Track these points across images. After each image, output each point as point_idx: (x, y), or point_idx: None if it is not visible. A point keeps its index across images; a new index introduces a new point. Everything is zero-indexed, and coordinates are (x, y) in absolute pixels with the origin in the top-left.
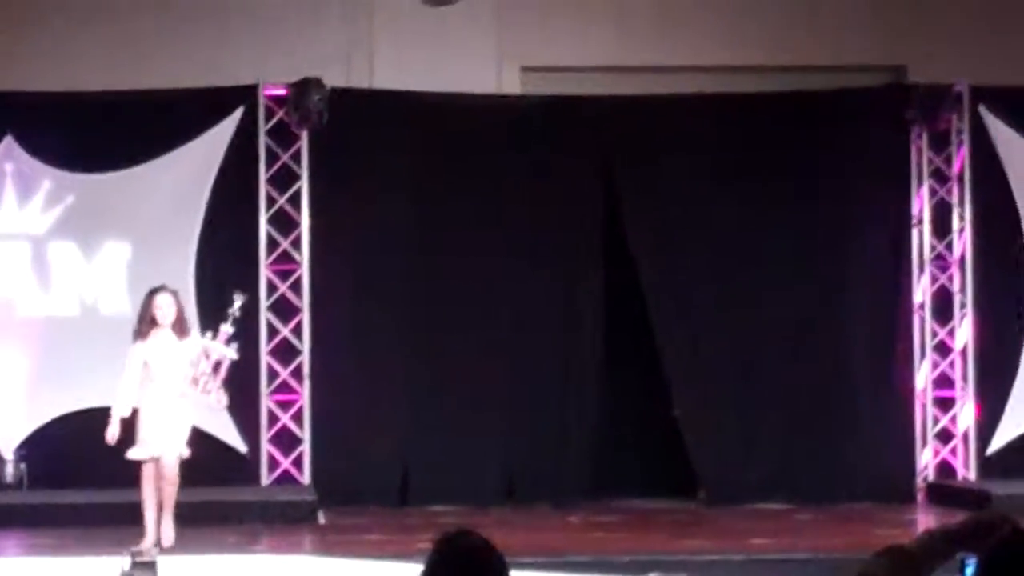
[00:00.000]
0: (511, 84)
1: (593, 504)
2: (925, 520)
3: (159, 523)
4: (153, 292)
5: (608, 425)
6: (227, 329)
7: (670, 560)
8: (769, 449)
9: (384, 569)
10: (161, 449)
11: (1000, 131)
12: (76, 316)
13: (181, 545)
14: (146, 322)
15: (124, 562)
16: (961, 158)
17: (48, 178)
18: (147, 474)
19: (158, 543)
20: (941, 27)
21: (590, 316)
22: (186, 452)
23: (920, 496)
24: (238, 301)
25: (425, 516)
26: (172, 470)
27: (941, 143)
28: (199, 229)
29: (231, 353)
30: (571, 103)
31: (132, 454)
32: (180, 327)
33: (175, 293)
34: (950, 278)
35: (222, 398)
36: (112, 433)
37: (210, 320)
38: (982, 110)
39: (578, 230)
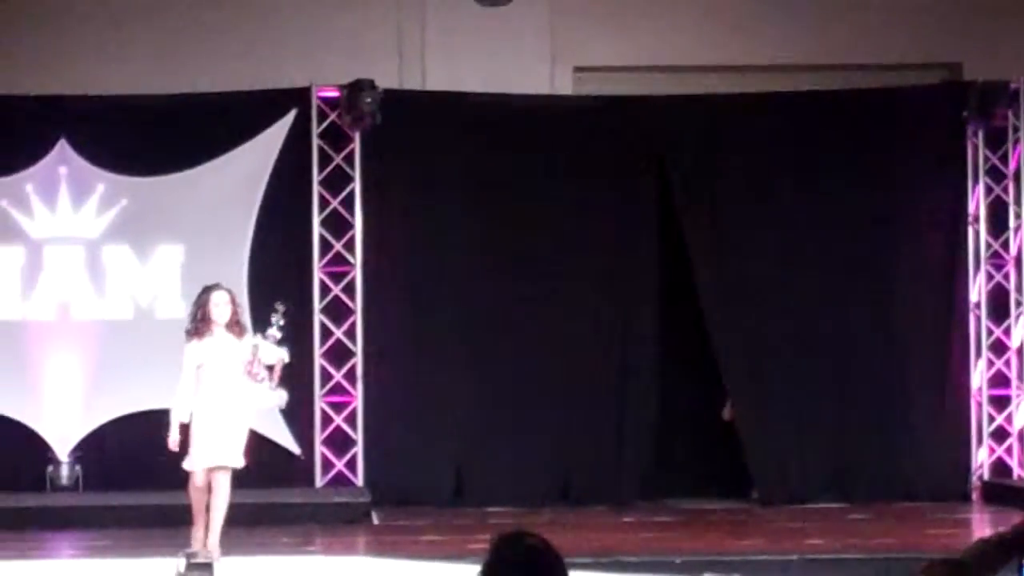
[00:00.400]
0: (564, 84)
1: (648, 504)
2: (980, 519)
3: (207, 534)
4: (208, 289)
5: (663, 426)
6: (274, 333)
7: (724, 560)
8: (823, 448)
9: (438, 570)
10: (214, 462)
11: None
12: (130, 319)
13: (236, 546)
14: (201, 320)
15: (179, 563)
16: (1017, 155)
17: (102, 181)
18: (194, 483)
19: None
20: (997, 24)
21: (645, 317)
22: (241, 463)
23: (975, 495)
24: (280, 309)
25: (479, 517)
26: (224, 486)
27: (997, 140)
28: (252, 231)
29: (283, 354)
30: (624, 103)
31: (185, 465)
32: (238, 328)
33: (231, 292)
34: (1006, 276)
35: (283, 395)
36: (174, 440)
37: (263, 323)
38: None
39: (632, 231)
